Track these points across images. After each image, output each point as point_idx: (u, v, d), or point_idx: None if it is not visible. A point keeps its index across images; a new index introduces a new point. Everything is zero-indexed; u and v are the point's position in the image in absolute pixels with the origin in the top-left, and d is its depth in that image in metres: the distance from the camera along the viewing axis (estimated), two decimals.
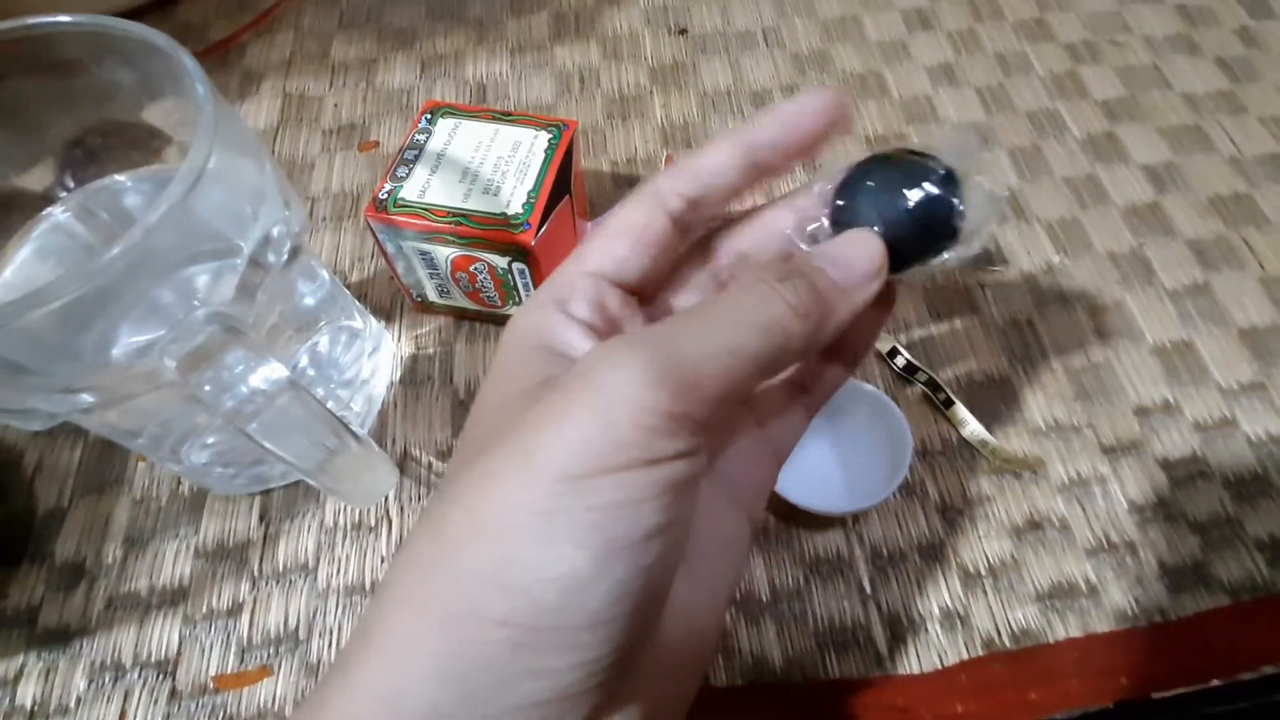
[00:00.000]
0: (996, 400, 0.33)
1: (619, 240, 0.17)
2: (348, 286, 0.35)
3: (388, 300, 0.35)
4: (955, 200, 0.15)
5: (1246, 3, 0.46)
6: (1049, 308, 0.35)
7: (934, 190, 0.15)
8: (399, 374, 0.32)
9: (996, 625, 0.28)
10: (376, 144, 0.39)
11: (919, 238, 0.16)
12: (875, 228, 0.16)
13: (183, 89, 0.21)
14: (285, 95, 0.41)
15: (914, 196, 0.15)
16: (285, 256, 0.22)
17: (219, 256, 0.21)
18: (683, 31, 0.45)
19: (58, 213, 0.25)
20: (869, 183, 0.16)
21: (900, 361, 0.33)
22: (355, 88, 0.42)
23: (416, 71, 0.43)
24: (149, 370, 0.20)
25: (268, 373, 0.19)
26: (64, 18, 0.21)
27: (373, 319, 0.32)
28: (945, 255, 0.16)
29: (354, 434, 0.22)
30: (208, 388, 0.18)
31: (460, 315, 0.34)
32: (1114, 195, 0.39)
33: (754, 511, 0.18)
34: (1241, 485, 0.30)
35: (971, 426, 0.31)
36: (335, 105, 0.41)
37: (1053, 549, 0.29)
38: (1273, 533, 0.29)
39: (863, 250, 0.16)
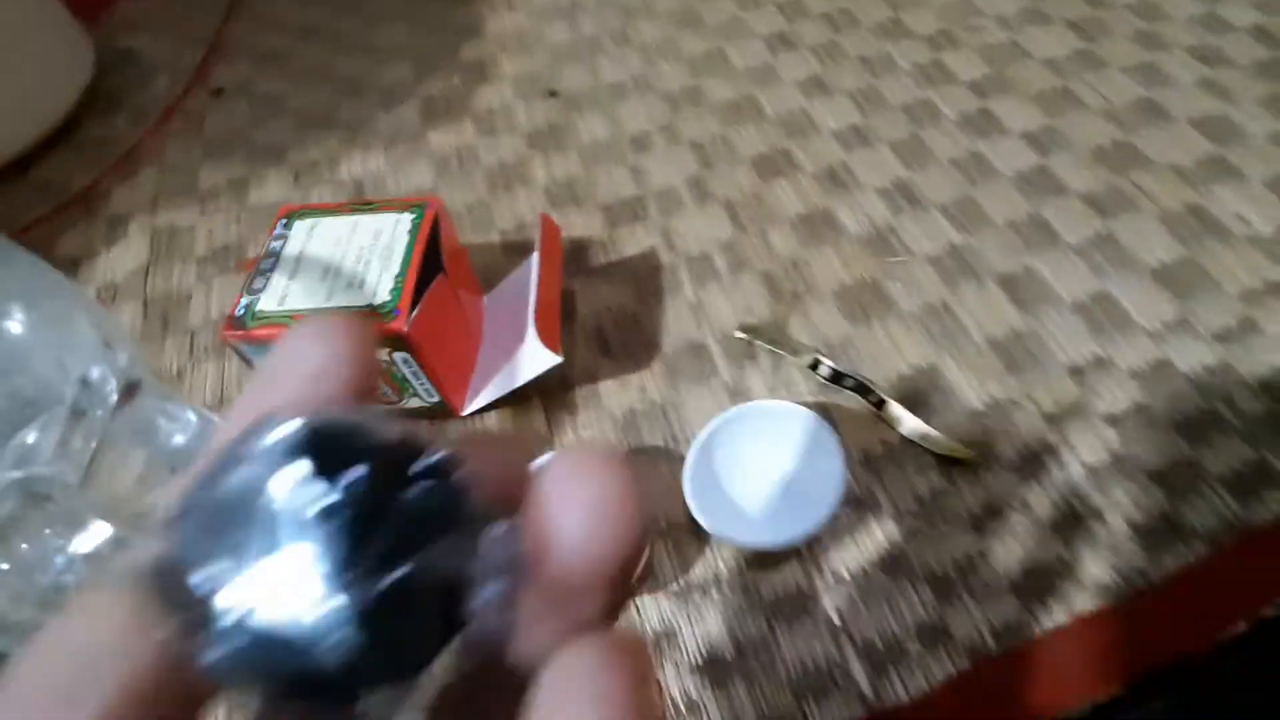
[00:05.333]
0: (930, 390, 0.31)
1: None
2: None
3: None
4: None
5: None
6: (961, 288, 0.34)
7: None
8: None
9: (979, 629, 0.26)
10: (255, 261, 0.38)
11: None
12: None
13: None
14: (154, 232, 0.40)
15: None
16: (113, 399, 0.20)
17: (37, 412, 0.19)
18: (554, 94, 0.46)
19: None
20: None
21: (825, 371, 0.32)
22: (227, 211, 0.41)
23: (290, 183, 0.42)
24: None
25: (90, 535, 0.17)
26: None
27: None
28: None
29: None
30: (5, 566, 0.16)
31: None
32: (1000, 167, 0.39)
33: None
34: (1191, 425, 0.29)
35: (908, 423, 0.30)
36: (208, 232, 0.40)
37: (1018, 533, 0.27)
38: (1234, 467, 0.28)
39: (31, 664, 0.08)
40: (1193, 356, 0.31)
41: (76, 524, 0.16)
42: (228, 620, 0.08)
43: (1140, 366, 0.31)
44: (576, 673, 0.08)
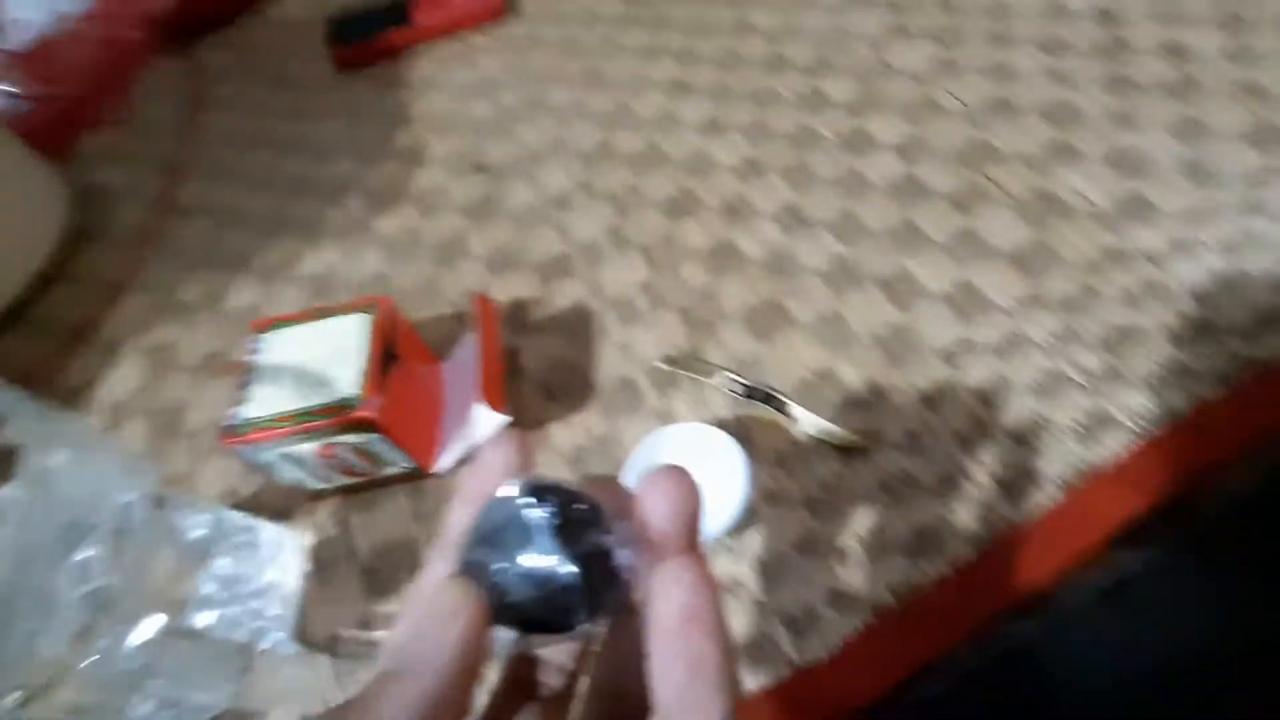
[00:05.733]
0: (827, 390, 0.37)
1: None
2: (243, 501, 0.38)
3: (283, 500, 0.38)
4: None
5: None
6: (847, 295, 0.40)
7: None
8: (308, 565, 0.35)
9: (879, 589, 0.31)
10: (233, 366, 0.43)
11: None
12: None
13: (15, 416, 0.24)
14: (146, 351, 0.45)
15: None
16: (145, 513, 0.25)
17: (85, 534, 0.24)
18: (482, 168, 0.51)
19: None
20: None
21: (736, 388, 0.37)
22: (207, 321, 0.46)
23: (258, 287, 0.47)
24: (55, 658, 0.23)
25: (146, 628, 0.22)
26: None
27: (268, 525, 0.35)
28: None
29: (256, 649, 0.25)
30: (96, 658, 0.21)
31: (348, 491, 0.37)
32: (875, 180, 0.44)
33: None
34: (1042, 386, 0.35)
35: (809, 422, 0.35)
36: (193, 342, 0.45)
37: (907, 502, 0.33)
38: (1078, 417, 0.33)
39: (434, 607, 0.16)
40: (1042, 326, 0.36)
41: (135, 618, 0.22)
42: (510, 584, 0.15)
43: (999, 342, 0.36)
44: (672, 569, 0.15)
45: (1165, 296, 0.36)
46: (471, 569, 0.16)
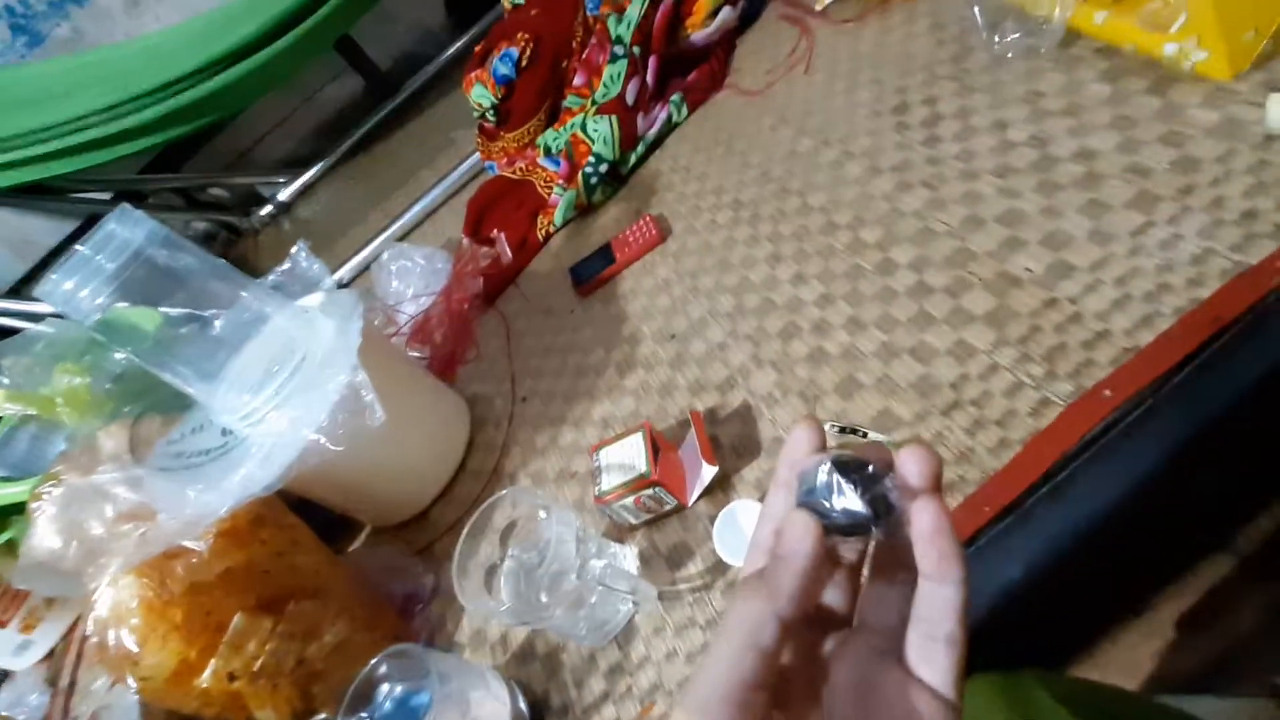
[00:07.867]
0: (888, 421, 0.66)
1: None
2: (606, 534, 0.74)
3: (621, 532, 0.73)
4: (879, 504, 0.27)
5: None
6: (890, 364, 0.69)
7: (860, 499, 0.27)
8: (638, 561, 0.70)
9: None
10: (589, 474, 0.82)
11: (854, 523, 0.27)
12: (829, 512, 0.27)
13: None
14: (529, 475, 0.86)
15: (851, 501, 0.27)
16: (578, 551, 0.62)
17: (565, 566, 0.61)
18: (672, 336, 0.88)
19: None
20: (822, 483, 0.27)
21: (837, 428, 0.67)
22: (554, 454, 0.86)
23: (572, 429, 0.86)
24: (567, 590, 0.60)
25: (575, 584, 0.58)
26: None
27: (617, 545, 0.70)
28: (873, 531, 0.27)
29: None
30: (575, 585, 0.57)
31: (649, 523, 0.72)
32: (898, 289, 0.74)
33: None
34: (1008, 390, 0.61)
35: (878, 439, 0.64)
36: (550, 467, 0.85)
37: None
38: (1035, 400, 0.59)
39: (792, 529, 0.27)
40: (1007, 356, 0.63)
41: (575, 590, 0.57)
42: (831, 517, 0.28)
43: (983, 370, 0.63)
44: (924, 503, 0.26)
45: (1079, 321, 0.61)
46: (806, 506, 0.28)
